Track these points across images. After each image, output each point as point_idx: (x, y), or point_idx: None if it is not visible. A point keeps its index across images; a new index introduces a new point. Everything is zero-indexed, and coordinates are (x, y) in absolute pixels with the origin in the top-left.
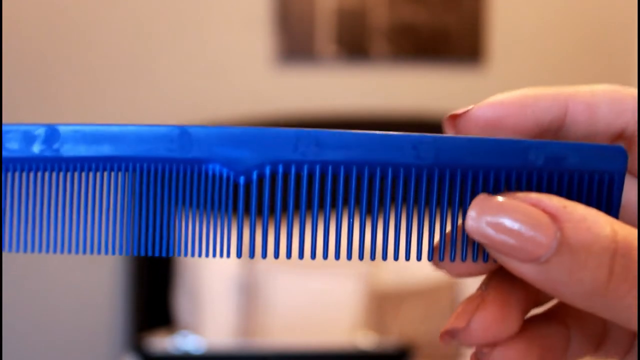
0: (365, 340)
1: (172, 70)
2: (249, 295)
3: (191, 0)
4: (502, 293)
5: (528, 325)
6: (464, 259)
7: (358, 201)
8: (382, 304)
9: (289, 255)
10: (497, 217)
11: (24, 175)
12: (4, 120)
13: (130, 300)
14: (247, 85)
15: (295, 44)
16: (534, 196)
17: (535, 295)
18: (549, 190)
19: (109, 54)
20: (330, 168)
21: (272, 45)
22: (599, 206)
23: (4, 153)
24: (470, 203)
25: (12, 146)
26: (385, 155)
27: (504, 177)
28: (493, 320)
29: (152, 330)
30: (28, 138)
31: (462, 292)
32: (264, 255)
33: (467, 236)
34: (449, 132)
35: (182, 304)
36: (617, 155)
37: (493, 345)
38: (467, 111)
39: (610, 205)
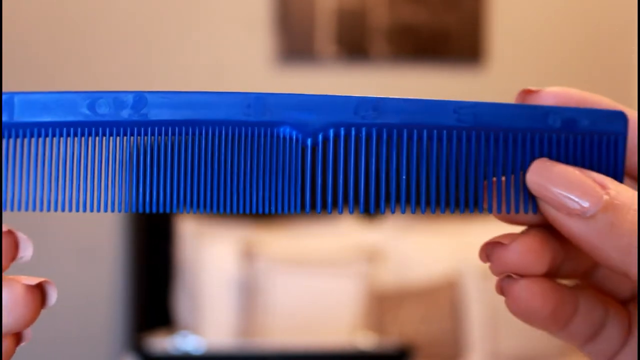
0: (365, 340)
1: (172, 70)
2: (249, 295)
3: (192, 1)
4: (541, 237)
5: (550, 280)
6: (517, 211)
7: (419, 160)
8: (382, 304)
9: (356, 210)
10: (555, 179)
11: (113, 139)
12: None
13: (130, 300)
14: (247, 85)
15: (295, 44)
16: (585, 170)
17: (563, 259)
18: (566, 149)
19: (109, 54)
20: (385, 131)
21: (272, 45)
22: (607, 165)
23: (96, 117)
24: (513, 163)
25: (102, 111)
26: (430, 118)
27: (529, 138)
28: (532, 250)
29: (152, 330)
30: (118, 103)
31: (462, 293)
32: (329, 210)
33: (517, 190)
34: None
35: (182, 304)
36: (619, 118)
37: (521, 274)
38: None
39: (616, 163)
